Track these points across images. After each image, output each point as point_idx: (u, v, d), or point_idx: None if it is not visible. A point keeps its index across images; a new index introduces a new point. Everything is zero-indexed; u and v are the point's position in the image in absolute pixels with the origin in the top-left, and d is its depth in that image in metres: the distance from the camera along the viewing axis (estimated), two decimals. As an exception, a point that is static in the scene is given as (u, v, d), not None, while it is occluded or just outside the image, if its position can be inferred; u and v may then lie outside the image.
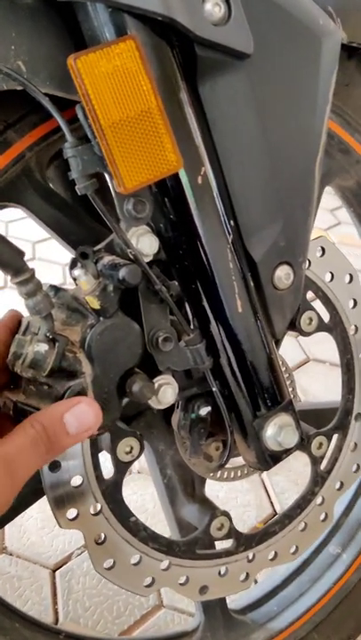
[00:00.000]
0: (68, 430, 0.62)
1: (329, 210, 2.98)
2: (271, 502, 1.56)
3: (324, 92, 0.77)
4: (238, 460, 0.88)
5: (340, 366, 1.03)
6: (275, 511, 1.54)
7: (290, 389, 0.84)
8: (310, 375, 1.97)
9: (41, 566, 1.40)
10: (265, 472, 1.63)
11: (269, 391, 0.80)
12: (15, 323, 0.68)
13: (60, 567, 1.40)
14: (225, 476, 0.93)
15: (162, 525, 0.98)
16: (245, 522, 1.48)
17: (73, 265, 0.72)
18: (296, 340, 2.08)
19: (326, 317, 0.94)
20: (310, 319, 0.90)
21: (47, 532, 1.47)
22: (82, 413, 0.62)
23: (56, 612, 1.32)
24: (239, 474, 0.93)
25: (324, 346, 2.02)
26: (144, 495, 1.50)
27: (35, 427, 0.61)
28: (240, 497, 1.56)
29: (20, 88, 0.65)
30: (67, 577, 1.38)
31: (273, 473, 1.62)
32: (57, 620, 1.30)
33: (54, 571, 1.40)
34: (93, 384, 0.68)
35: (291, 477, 1.62)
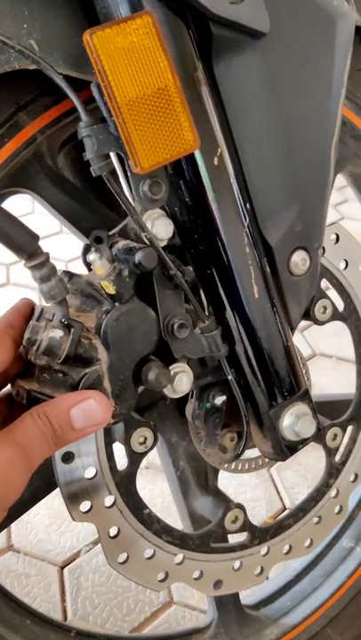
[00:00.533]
0: (73, 425, 0.60)
1: (333, 205, 2.97)
2: (281, 497, 1.54)
3: (339, 74, 0.76)
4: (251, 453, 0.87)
5: (346, 360, 1.01)
6: (284, 506, 1.52)
7: (306, 378, 0.83)
8: (317, 370, 1.95)
9: (49, 563, 1.39)
10: (273, 467, 1.61)
11: (286, 380, 0.78)
12: (28, 310, 0.66)
13: (69, 564, 1.39)
14: (240, 468, 0.91)
15: (171, 521, 0.97)
16: (255, 517, 1.46)
17: (86, 250, 0.71)
18: (302, 334, 2.07)
19: (341, 306, 0.93)
20: (325, 307, 0.88)
21: (55, 529, 1.46)
22: (90, 409, 0.61)
23: (65, 610, 1.30)
24: (254, 465, 0.92)
25: (331, 340, 2.01)
26: (153, 490, 1.48)
27: (40, 418, 0.59)
28: (249, 492, 1.54)
29: (32, 67, 0.63)
30: (75, 574, 1.36)
31: (282, 468, 1.61)
32: (65, 618, 1.29)
33: (62, 568, 1.38)
34: (109, 371, 0.66)
35: (300, 472, 1.60)
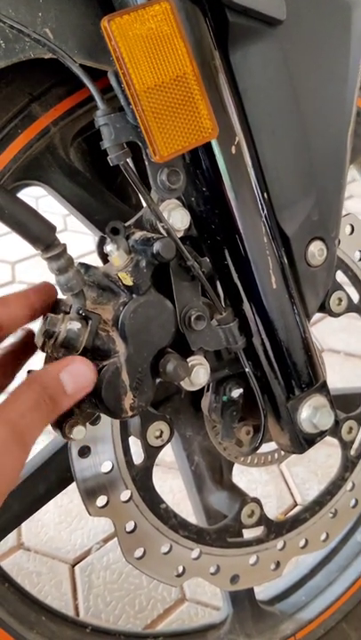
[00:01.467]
0: (65, 389, 0.59)
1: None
2: (291, 493, 1.54)
3: (354, 63, 0.75)
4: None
5: (355, 355, 1.00)
6: (295, 502, 1.51)
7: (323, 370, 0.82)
8: (326, 365, 1.94)
9: (60, 561, 1.38)
10: (284, 463, 1.61)
11: (304, 372, 0.77)
12: (50, 292, 0.65)
13: (80, 562, 1.38)
14: (256, 462, 0.90)
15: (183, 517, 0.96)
16: (266, 513, 1.45)
17: (102, 242, 0.70)
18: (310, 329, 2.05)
19: (356, 298, 0.92)
20: (340, 299, 0.87)
21: (65, 527, 1.45)
22: (77, 372, 0.60)
23: (76, 608, 1.29)
24: (270, 459, 0.91)
25: (339, 336, 2.01)
26: (163, 487, 1.47)
27: (34, 388, 0.57)
28: (260, 488, 1.53)
29: (47, 57, 0.62)
30: (87, 571, 1.36)
31: (292, 464, 1.60)
32: (77, 616, 1.28)
33: (74, 566, 1.38)
34: (127, 363, 0.65)
35: (311, 468, 1.59)
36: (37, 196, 2.75)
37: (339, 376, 1.88)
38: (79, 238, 2.14)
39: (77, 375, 0.60)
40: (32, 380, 0.58)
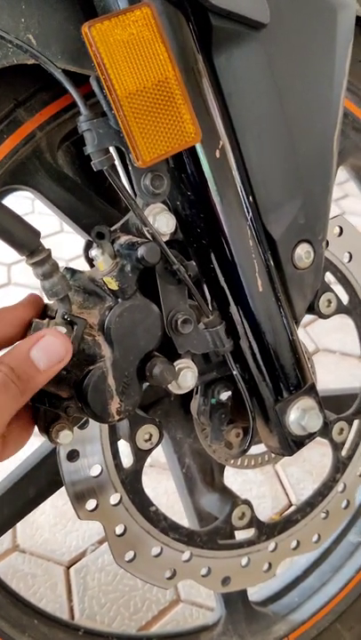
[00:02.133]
0: (38, 366, 0.57)
1: (333, 200, 2.95)
2: (286, 493, 1.54)
3: (340, 65, 0.75)
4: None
5: (350, 355, 1.00)
6: (290, 502, 1.51)
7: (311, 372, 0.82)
8: (321, 365, 1.94)
9: (55, 563, 1.38)
10: (279, 463, 1.61)
11: (291, 374, 0.77)
12: (38, 304, 0.65)
13: (75, 564, 1.38)
14: (246, 464, 0.90)
15: (176, 519, 0.96)
16: (261, 513, 1.44)
17: (88, 246, 0.70)
18: (305, 330, 2.06)
19: (345, 299, 0.92)
20: (329, 301, 0.87)
21: (60, 529, 1.45)
22: (49, 346, 0.58)
23: (71, 610, 1.30)
24: (260, 461, 0.91)
25: (334, 336, 2.01)
26: (157, 489, 1.48)
27: (0, 369, 0.56)
28: (255, 488, 1.54)
29: (30, 62, 0.63)
30: (82, 573, 1.36)
31: (287, 464, 1.60)
32: (73, 618, 1.28)
33: (69, 567, 1.38)
34: (113, 367, 0.65)
35: (306, 468, 1.59)
36: (34, 198, 2.76)
37: (334, 376, 1.88)
38: (75, 239, 2.14)
39: (50, 350, 0.58)
40: (7, 365, 0.56)
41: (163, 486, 1.49)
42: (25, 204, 2.64)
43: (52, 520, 1.47)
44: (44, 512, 1.48)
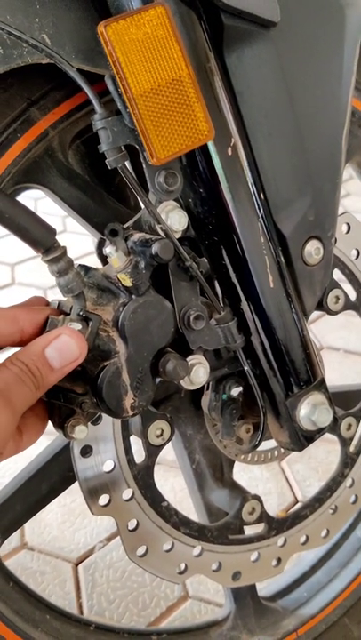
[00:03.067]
0: (51, 365, 0.58)
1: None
2: (292, 490, 1.55)
3: (349, 63, 0.76)
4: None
5: (354, 352, 1.01)
6: (296, 499, 1.52)
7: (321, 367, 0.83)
8: (325, 363, 1.95)
9: (63, 560, 1.39)
10: (285, 460, 1.61)
11: (302, 369, 0.78)
12: (42, 312, 0.65)
13: (83, 561, 1.39)
14: (256, 459, 0.91)
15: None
16: (267, 510, 1.46)
17: (101, 244, 0.71)
18: (309, 327, 2.06)
19: (353, 296, 0.93)
20: (337, 297, 0.88)
21: (68, 526, 1.46)
22: (64, 345, 0.59)
23: (80, 606, 1.30)
24: (269, 457, 0.92)
25: (338, 333, 2.01)
26: (164, 486, 1.48)
27: (16, 364, 0.57)
28: (261, 485, 1.54)
29: (44, 62, 0.63)
30: (90, 570, 1.36)
31: (293, 461, 1.61)
32: (81, 614, 1.29)
33: (77, 565, 1.39)
34: (128, 363, 0.66)
35: (311, 465, 1.60)
36: (36, 198, 2.77)
37: (338, 373, 1.89)
38: (78, 239, 2.15)
39: (64, 349, 0.59)
40: (15, 358, 0.57)
41: (170, 484, 1.50)
42: (27, 204, 2.64)
43: (60, 518, 1.47)
44: (51, 510, 1.48)
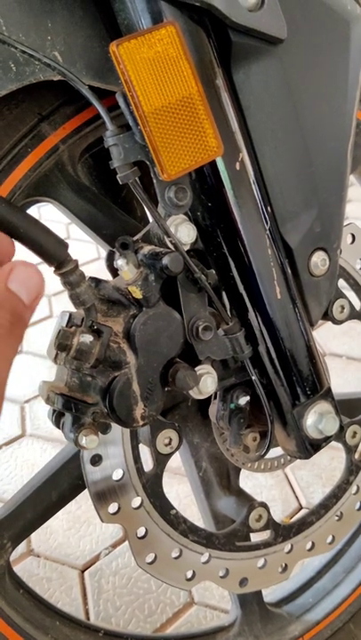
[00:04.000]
0: (23, 300, 0.50)
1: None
2: (296, 497, 1.55)
3: (354, 77, 0.77)
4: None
5: (357, 359, 1.02)
6: (300, 505, 1.53)
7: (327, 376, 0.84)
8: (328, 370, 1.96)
9: (69, 567, 1.40)
10: (288, 467, 1.62)
11: (309, 379, 0.79)
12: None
13: (89, 567, 1.40)
14: (262, 467, 0.92)
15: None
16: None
17: (110, 256, 0.72)
18: (312, 334, 2.07)
19: (358, 305, 0.94)
20: (342, 307, 0.89)
21: (74, 533, 1.47)
22: (23, 275, 0.51)
23: (87, 613, 1.31)
24: (276, 464, 0.93)
25: (341, 340, 2.02)
26: (170, 493, 1.47)
27: None
28: (265, 492, 1.55)
29: (56, 79, 0.65)
30: (96, 577, 1.37)
31: (297, 468, 1.62)
32: (88, 620, 1.29)
33: (83, 571, 1.39)
34: (138, 374, 0.67)
35: (315, 471, 1.61)
36: (39, 205, 2.78)
37: (341, 380, 1.90)
38: (82, 246, 2.16)
39: (25, 278, 0.51)
40: None
41: (175, 491, 1.51)
42: (31, 211, 2.65)
43: (66, 524, 1.48)
44: (57, 517, 1.47)
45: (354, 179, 1.10)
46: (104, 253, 0.76)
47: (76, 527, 1.48)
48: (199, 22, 0.65)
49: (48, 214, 2.11)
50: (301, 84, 0.73)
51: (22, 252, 0.59)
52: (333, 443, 0.95)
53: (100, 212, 0.82)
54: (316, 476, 1.60)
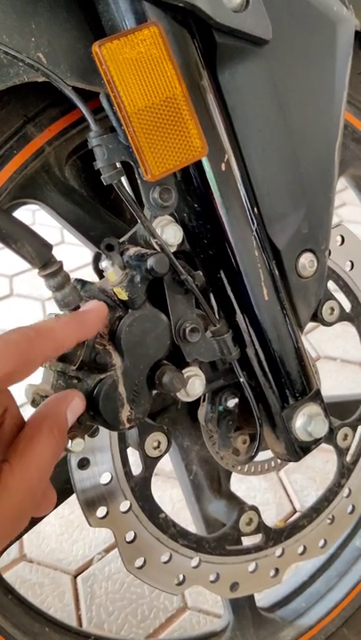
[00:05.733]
0: (68, 423, 0.60)
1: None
2: (290, 500, 1.55)
3: (340, 78, 0.77)
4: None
5: (351, 362, 1.02)
6: (294, 509, 1.52)
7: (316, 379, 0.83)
8: (322, 372, 1.95)
9: (62, 572, 1.39)
10: (282, 470, 1.62)
11: (297, 381, 0.79)
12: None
13: (82, 572, 1.39)
14: (253, 470, 0.92)
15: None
16: (265, 520, 1.46)
17: (97, 258, 0.72)
18: (306, 337, 2.07)
19: (348, 307, 0.94)
20: (332, 309, 0.89)
21: (67, 538, 1.46)
22: (76, 406, 0.61)
23: (79, 618, 1.30)
24: (267, 467, 0.92)
25: (335, 343, 2.02)
26: (162, 497, 1.49)
27: (53, 434, 0.57)
28: (259, 495, 1.55)
29: (40, 80, 0.64)
30: (89, 582, 1.37)
31: (291, 471, 1.62)
32: (80, 626, 1.29)
33: (76, 576, 1.39)
34: (124, 376, 0.67)
35: (309, 475, 1.61)
36: (34, 209, 2.78)
37: (335, 383, 1.90)
38: (77, 251, 2.16)
39: (76, 409, 0.61)
40: (53, 426, 0.57)
41: (168, 495, 1.50)
42: (26, 215, 2.66)
43: (59, 529, 1.47)
44: (49, 522, 1.48)
45: (346, 182, 1.10)
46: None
47: (68, 532, 1.47)
48: (183, 23, 0.65)
49: (42, 219, 2.11)
50: (288, 85, 0.73)
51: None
52: (328, 445, 0.95)
53: (88, 215, 0.81)
54: (310, 479, 1.59)
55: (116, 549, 1.39)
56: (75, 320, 0.60)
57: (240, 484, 1.56)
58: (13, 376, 0.52)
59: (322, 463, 1.61)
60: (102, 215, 0.83)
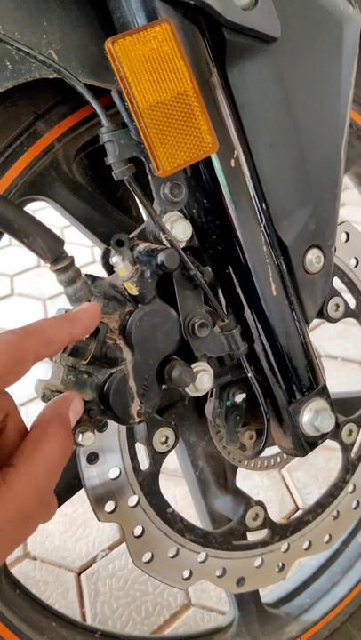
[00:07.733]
0: (71, 425, 0.60)
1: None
2: (293, 497, 1.55)
3: (347, 76, 0.78)
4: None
5: (352, 360, 1.02)
6: (297, 506, 1.53)
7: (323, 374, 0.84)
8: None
9: (66, 570, 1.40)
10: (285, 468, 1.62)
11: (304, 376, 0.79)
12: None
13: (86, 570, 1.40)
14: (259, 465, 0.92)
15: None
16: (269, 517, 1.47)
17: (106, 254, 0.73)
18: (307, 336, 2.08)
19: (353, 303, 0.94)
20: (337, 305, 0.90)
21: (70, 536, 1.46)
22: (76, 407, 0.61)
23: (84, 615, 1.31)
24: (273, 462, 0.93)
25: (336, 341, 2.03)
26: (166, 494, 1.48)
27: (61, 433, 0.58)
28: (262, 493, 1.55)
29: (52, 77, 0.65)
30: (93, 579, 1.37)
31: (293, 469, 1.62)
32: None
33: (80, 574, 1.39)
34: (134, 371, 0.67)
35: (311, 472, 1.61)
36: (34, 209, 2.78)
37: (336, 381, 1.90)
38: (77, 250, 2.16)
39: (77, 410, 0.61)
40: (60, 427, 0.58)
41: (171, 492, 1.51)
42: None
43: (62, 527, 1.48)
44: (53, 519, 1.48)
45: (350, 180, 1.10)
46: (99, 256, 0.76)
47: (72, 529, 1.47)
48: (194, 20, 0.65)
49: (43, 218, 2.11)
50: (295, 82, 0.74)
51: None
52: (329, 443, 0.95)
53: (96, 211, 0.82)
54: (312, 477, 1.60)
55: (120, 547, 1.41)
56: (65, 319, 0.60)
57: (243, 482, 1.56)
58: (5, 377, 0.52)
59: (324, 461, 1.62)
60: (110, 212, 0.83)
